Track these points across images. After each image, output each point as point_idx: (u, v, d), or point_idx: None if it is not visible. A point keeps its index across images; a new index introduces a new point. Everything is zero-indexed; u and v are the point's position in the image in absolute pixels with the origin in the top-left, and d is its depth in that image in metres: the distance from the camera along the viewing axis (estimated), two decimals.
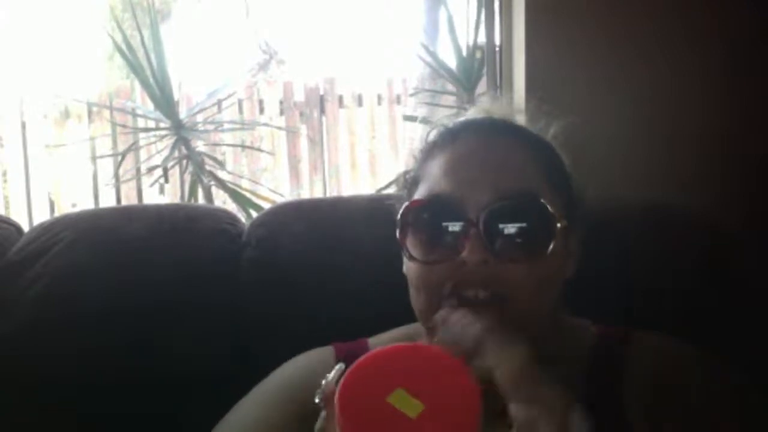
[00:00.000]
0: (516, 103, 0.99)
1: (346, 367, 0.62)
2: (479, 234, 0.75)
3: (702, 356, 0.83)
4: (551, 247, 0.77)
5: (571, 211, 0.83)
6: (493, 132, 0.85)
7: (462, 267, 0.76)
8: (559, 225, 0.78)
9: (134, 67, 2.92)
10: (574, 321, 0.89)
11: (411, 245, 0.80)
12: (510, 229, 0.77)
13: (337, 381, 0.61)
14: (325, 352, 0.91)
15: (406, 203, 0.81)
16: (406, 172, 0.88)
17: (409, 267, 0.82)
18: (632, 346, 0.83)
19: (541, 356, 0.82)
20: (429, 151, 0.86)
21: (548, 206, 0.78)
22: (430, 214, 0.80)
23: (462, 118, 0.88)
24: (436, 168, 0.82)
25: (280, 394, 0.88)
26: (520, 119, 0.91)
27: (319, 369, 0.88)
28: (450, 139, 0.84)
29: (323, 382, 0.64)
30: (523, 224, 0.77)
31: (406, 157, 0.94)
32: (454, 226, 0.77)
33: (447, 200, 0.78)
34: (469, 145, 0.82)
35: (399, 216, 0.80)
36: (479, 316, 0.74)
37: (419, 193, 0.82)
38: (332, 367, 0.87)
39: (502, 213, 0.77)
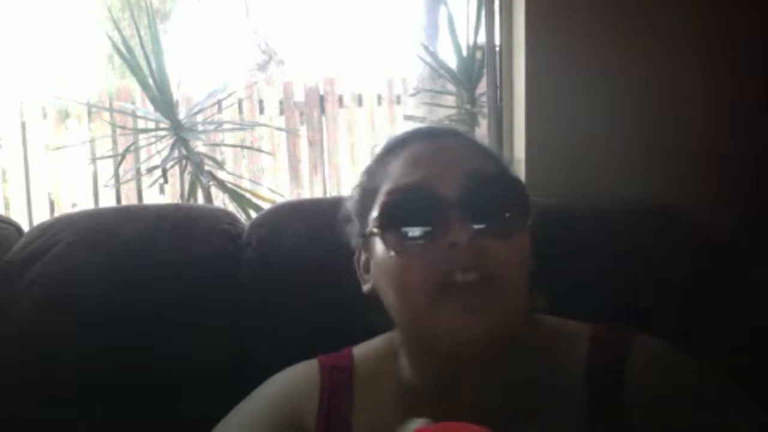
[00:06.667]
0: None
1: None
2: (463, 213, 0.75)
3: (695, 364, 0.82)
4: (530, 220, 0.78)
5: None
6: (442, 135, 0.86)
7: (450, 251, 0.75)
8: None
9: (133, 68, 2.93)
10: (568, 324, 0.88)
11: (392, 240, 0.78)
12: (491, 205, 0.77)
13: None
14: (311, 365, 0.91)
15: (384, 198, 0.80)
16: (360, 187, 0.88)
17: (389, 266, 0.79)
18: (631, 350, 0.82)
19: (535, 362, 0.82)
20: (381, 159, 0.86)
21: (520, 180, 0.80)
22: (407, 204, 0.78)
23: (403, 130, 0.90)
24: (396, 166, 0.82)
25: (265, 412, 0.87)
26: None
27: (304, 384, 0.88)
28: (402, 144, 0.85)
29: None
30: (502, 200, 0.78)
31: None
32: (436, 211, 0.76)
33: (421, 187, 0.78)
34: (424, 145, 0.83)
35: (378, 213, 0.80)
36: (471, 299, 0.74)
37: (384, 192, 0.81)
38: (317, 381, 0.88)
39: (480, 190, 0.77)
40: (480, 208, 0.76)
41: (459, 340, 0.75)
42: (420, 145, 0.84)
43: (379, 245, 0.80)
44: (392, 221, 0.79)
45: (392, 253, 0.78)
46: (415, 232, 0.77)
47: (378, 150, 0.88)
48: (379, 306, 0.84)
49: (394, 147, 0.86)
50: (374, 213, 0.81)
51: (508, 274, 0.76)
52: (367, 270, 0.87)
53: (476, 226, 0.75)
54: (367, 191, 0.86)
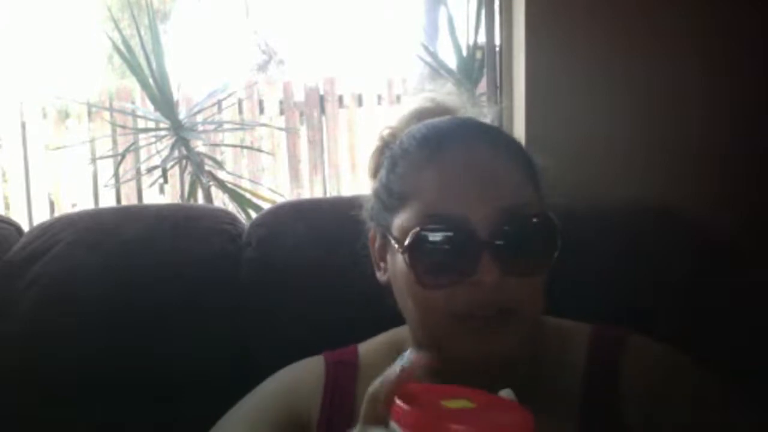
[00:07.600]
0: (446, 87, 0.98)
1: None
2: (494, 254, 0.74)
3: (692, 364, 0.82)
4: (556, 255, 0.78)
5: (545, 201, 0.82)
6: (475, 138, 0.82)
7: (475, 288, 0.75)
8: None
9: (133, 68, 2.93)
10: (568, 324, 0.88)
11: (419, 269, 0.77)
12: (520, 246, 0.76)
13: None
14: (315, 361, 0.91)
15: (417, 229, 0.77)
16: (387, 188, 0.83)
17: (410, 283, 0.79)
18: (628, 351, 0.82)
19: (536, 362, 0.83)
20: (412, 162, 0.82)
21: (553, 218, 0.78)
22: (438, 237, 0.77)
23: (432, 122, 0.85)
24: (429, 183, 0.79)
25: (268, 407, 0.87)
26: (453, 99, 0.92)
27: (309, 380, 0.88)
28: (434, 149, 0.81)
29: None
30: (532, 239, 0.77)
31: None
32: (466, 248, 0.75)
33: (454, 221, 0.76)
34: (458, 156, 0.79)
35: (408, 242, 0.77)
36: (490, 331, 0.75)
37: (415, 212, 0.78)
38: (322, 377, 0.87)
39: (512, 231, 0.76)
40: (511, 249, 0.75)
41: (473, 364, 0.77)
42: (454, 154, 0.80)
43: (401, 258, 0.79)
44: (421, 250, 0.77)
45: (414, 278, 0.78)
46: (442, 266, 0.77)
47: (406, 144, 0.84)
48: (392, 295, 0.84)
49: (430, 148, 0.81)
50: (398, 220, 0.80)
51: (527, 307, 0.77)
52: (382, 257, 0.85)
53: (504, 266, 0.75)
54: (392, 190, 0.82)
